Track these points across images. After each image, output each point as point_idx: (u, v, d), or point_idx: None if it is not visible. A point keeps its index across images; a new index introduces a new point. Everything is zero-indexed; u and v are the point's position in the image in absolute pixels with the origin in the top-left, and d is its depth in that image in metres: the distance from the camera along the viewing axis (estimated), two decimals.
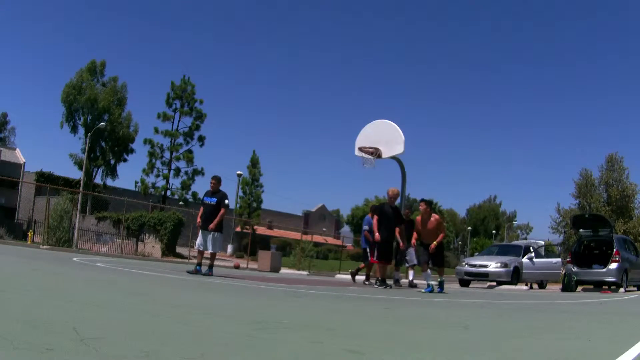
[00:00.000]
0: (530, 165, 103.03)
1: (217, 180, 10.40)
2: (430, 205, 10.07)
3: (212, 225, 9.93)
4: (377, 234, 10.22)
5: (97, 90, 35.48)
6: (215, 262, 10.98)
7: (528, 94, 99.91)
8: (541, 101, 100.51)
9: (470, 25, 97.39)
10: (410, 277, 12.26)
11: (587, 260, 17.19)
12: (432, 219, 9.83)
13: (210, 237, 10.03)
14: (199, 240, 10.24)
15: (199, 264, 10.09)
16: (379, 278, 10.40)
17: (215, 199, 10.08)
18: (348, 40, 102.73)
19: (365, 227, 12.01)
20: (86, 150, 32.65)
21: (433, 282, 9.69)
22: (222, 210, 10.07)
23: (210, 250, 10.12)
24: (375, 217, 10.61)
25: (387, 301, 6.99)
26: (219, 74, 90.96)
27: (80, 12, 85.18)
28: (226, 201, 10.18)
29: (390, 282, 11.31)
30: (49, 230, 19.92)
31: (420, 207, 9.94)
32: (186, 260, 20.46)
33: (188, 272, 10.03)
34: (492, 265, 17.37)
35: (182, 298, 5.17)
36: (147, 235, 26.26)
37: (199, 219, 10.32)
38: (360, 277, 12.42)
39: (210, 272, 9.95)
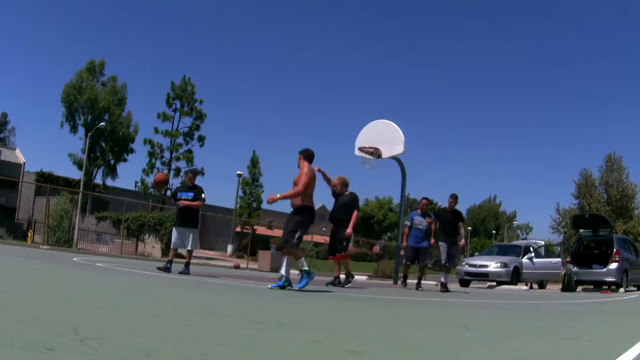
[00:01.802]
0: (530, 165, 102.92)
1: (193, 173, 10.10)
2: (306, 156, 7.19)
3: (189, 203, 9.61)
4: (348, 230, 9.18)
5: (97, 90, 35.50)
6: (215, 262, 10.93)
7: (528, 94, 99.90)
8: (541, 101, 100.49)
9: (470, 25, 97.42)
10: (442, 280, 10.73)
11: (587, 260, 17.21)
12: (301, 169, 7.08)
13: (187, 233, 9.56)
14: (174, 238, 9.68)
15: (171, 262, 9.62)
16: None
17: (191, 194, 9.69)
18: (348, 40, 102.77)
19: (407, 223, 11.06)
20: (86, 150, 32.66)
21: (283, 272, 7.03)
22: (197, 202, 9.65)
23: (188, 248, 9.63)
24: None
25: (386, 301, 7.00)
26: (219, 74, 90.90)
27: (80, 12, 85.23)
28: (203, 195, 9.72)
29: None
30: (49, 230, 19.95)
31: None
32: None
33: (158, 268, 9.61)
34: (492, 265, 17.40)
35: (182, 298, 5.17)
36: (147, 235, 26.27)
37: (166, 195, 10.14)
38: (412, 281, 11.54)
39: (186, 270, 9.47)
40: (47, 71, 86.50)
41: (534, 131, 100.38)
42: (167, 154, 34.94)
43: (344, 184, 9.62)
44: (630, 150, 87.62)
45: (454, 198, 11.11)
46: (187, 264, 9.68)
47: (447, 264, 10.63)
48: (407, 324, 4.43)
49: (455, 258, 10.78)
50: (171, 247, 9.96)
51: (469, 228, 70.71)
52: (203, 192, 9.78)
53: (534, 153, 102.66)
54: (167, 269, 9.41)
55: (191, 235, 9.60)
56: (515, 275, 17.62)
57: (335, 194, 9.68)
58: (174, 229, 9.86)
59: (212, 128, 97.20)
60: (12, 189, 42.85)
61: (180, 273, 9.30)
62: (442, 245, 10.68)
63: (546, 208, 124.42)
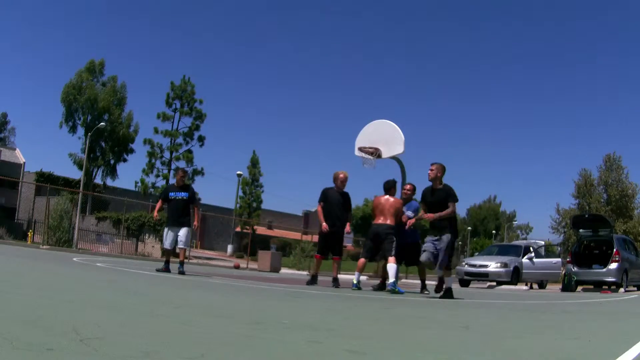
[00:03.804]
0: (530, 165, 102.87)
1: (184, 172, 10.12)
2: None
3: (195, 222, 9.65)
4: (323, 224, 8.98)
5: (97, 90, 35.46)
6: (215, 262, 10.93)
7: (528, 94, 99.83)
8: (541, 101, 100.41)
9: (470, 25, 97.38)
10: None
11: (587, 260, 17.23)
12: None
13: (182, 232, 9.49)
14: (169, 238, 9.57)
15: (168, 262, 9.65)
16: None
17: (186, 194, 9.61)
18: (348, 40, 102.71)
19: (409, 213, 8.90)
20: (86, 150, 32.64)
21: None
22: (197, 208, 9.82)
23: (181, 247, 9.61)
24: (320, 204, 9.24)
25: (387, 301, 6.99)
26: (219, 74, 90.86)
27: (80, 12, 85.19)
28: (197, 196, 9.85)
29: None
30: (49, 230, 19.95)
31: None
32: (186, 260, 20.44)
33: (157, 270, 9.57)
34: (492, 265, 17.41)
35: (182, 298, 5.17)
36: (147, 235, 26.26)
37: (156, 213, 10.25)
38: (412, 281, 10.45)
39: (181, 270, 9.39)
40: (47, 71, 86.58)
41: (534, 131, 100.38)
42: (167, 154, 34.87)
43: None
44: (630, 150, 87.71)
45: (437, 168, 7.48)
46: (181, 263, 9.58)
47: (439, 263, 7.27)
48: (407, 324, 4.43)
49: (445, 254, 7.24)
50: (164, 247, 9.95)
51: (469, 228, 70.46)
52: (196, 192, 9.85)
53: (534, 153, 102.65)
54: (166, 270, 9.42)
55: (183, 233, 9.51)
56: (515, 275, 17.62)
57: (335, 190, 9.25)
58: (166, 229, 9.74)
59: (212, 128, 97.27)
60: (12, 189, 42.81)
61: (179, 273, 9.29)
62: (427, 239, 7.44)
63: (546, 208, 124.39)
